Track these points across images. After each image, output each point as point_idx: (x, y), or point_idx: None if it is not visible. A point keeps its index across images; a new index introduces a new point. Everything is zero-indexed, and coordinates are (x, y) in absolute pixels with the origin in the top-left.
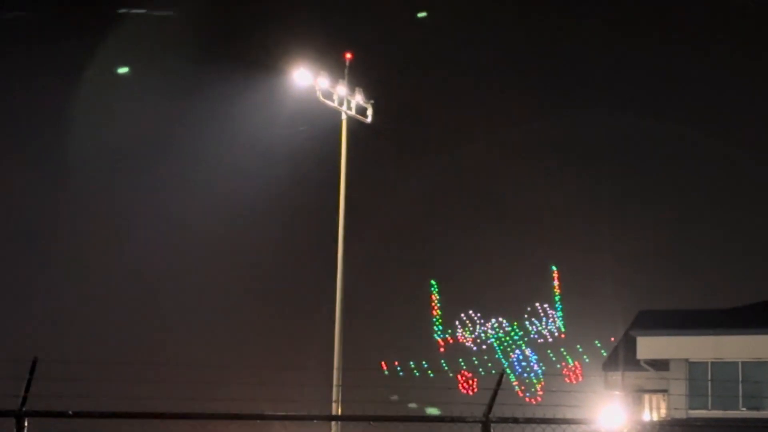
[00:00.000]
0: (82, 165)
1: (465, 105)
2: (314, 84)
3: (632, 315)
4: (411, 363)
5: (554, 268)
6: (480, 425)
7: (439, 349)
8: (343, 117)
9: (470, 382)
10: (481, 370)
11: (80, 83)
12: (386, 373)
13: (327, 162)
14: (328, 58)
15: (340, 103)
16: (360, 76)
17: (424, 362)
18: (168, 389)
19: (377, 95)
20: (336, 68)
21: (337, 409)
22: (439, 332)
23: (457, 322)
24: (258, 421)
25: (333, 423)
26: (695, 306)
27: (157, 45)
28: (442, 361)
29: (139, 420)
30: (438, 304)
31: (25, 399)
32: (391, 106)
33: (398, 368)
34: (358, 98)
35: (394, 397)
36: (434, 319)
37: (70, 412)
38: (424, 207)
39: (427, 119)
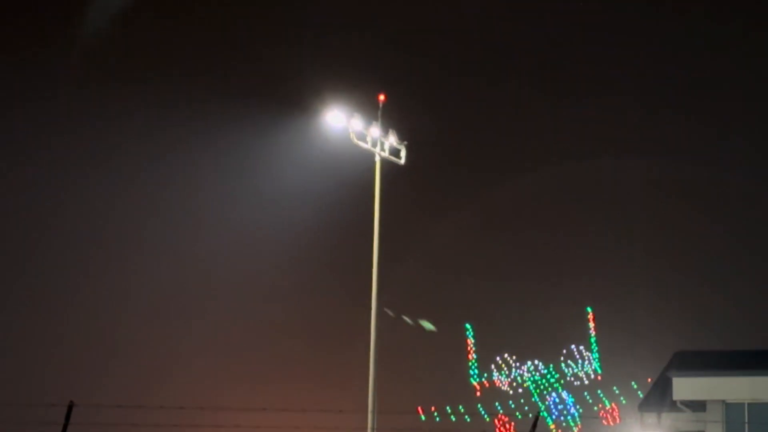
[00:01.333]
0: (115, 203)
1: (501, 145)
2: (347, 125)
3: (668, 355)
4: (447, 408)
5: (589, 309)
6: None
7: (475, 393)
8: (377, 158)
9: (507, 426)
10: (518, 413)
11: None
12: (423, 418)
13: (360, 203)
14: (362, 98)
15: (374, 145)
16: (393, 117)
17: (460, 407)
18: None
19: (411, 135)
20: (370, 109)
21: None
22: (475, 376)
23: (492, 366)
24: None
25: None
26: (732, 346)
27: (190, 83)
28: (479, 405)
29: None
30: (473, 348)
31: None
32: (426, 146)
33: (435, 413)
34: (392, 139)
35: None
36: (470, 363)
37: None
38: (458, 248)
39: (462, 159)
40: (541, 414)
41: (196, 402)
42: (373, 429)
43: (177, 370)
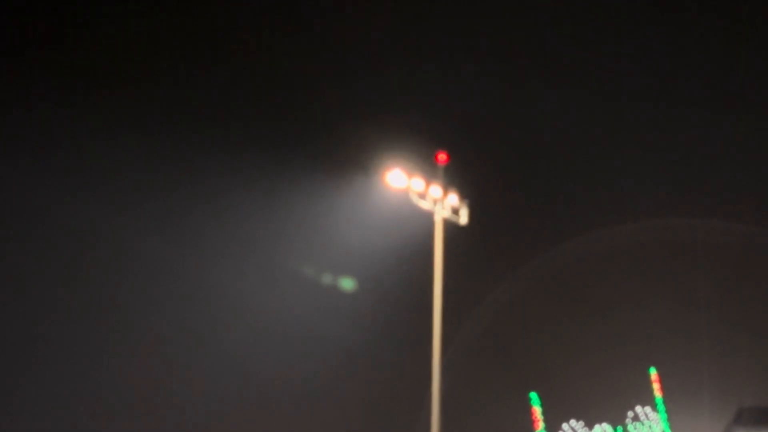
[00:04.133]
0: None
1: (562, 204)
2: (408, 185)
3: (733, 412)
4: None
5: (653, 370)
6: None
7: None
8: (438, 218)
9: None
10: None
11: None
12: None
13: (422, 264)
14: (423, 157)
15: (434, 204)
16: (454, 176)
17: None
18: None
19: (471, 194)
20: (430, 168)
21: None
22: None
23: None
24: None
25: None
26: None
27: (251, 144)
28: None
29: None
30: (541, 417)
31: None
32: (487, 205)
33: None
34: (452, 198)
35: None
36: None
37: None
38: (519, 311)
39: (524, 218)
40: None
41: None
42: None
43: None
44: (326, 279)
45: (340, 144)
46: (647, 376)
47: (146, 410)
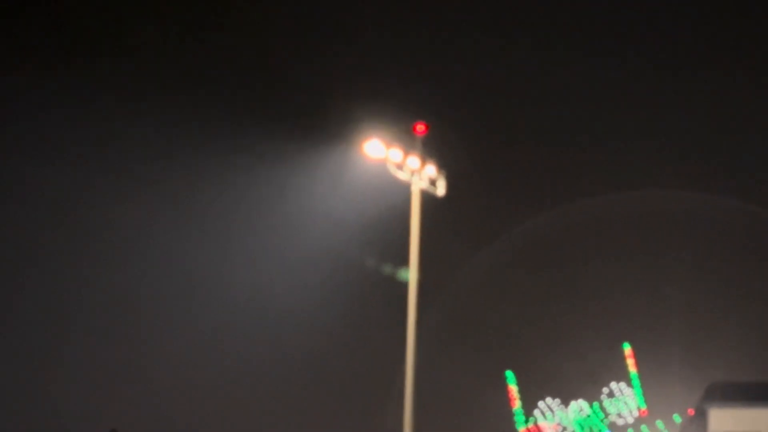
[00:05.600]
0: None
1: (539, 176)
2: (386, 155)
3: (705, 387)
4: None
5: (627, 345)
6: None
7: None
8: (415, 189)
9: None
10: None
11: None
12: None
13: (397, 234)
14: (401, 128)
15: (412, 175)
16: (432, 146)
17: None
18: None
19: (449, 165)
20: (408, 138)
21: None
22: (521, 423)
23: (536, 411)
24: None
25: None
26: None
27: (226, 108)
28: None
29: None
30: (517, 395)
31: None
32: (464, 176)
33: None
34: (430, 169)
35: None
36: (515, 411)
37: None
38: (494, 284)
39: (500, 189)
40: None
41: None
42: None
43: (219, 404)
44: (302, 250)
45: (317, 114)
46: (621, 352)
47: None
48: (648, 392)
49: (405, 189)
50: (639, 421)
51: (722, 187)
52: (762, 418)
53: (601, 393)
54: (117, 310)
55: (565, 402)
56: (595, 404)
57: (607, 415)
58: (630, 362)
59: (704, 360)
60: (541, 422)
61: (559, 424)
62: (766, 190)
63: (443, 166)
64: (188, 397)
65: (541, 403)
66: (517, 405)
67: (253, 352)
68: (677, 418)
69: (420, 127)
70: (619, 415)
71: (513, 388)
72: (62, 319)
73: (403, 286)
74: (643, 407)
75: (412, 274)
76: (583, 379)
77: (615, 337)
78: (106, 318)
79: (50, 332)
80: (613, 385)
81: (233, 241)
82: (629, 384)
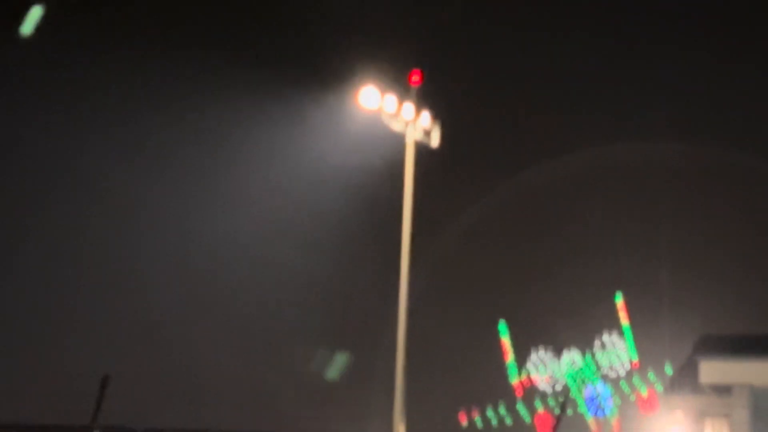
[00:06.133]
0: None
1: (533, 127)
2: (380, 105)
3: (696, 339)
4: (488, 411)
5: (619, 297)
6: None
7: (515, 393)
8: (409, 140)
9: (547, 424)
10: (556, 409)
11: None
12: (465, 426)
13: (391, 185)
14: (395, 77)
15: (406, 126)
16: (428, 96)
17: (501, 408)
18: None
19: (445, 116)
20: (403, 88)
21: None
22: (514, 375)
23: (528, 363)
24: None
25: None
26: (760, 330)
27: (220, 64)
28: (519, 405)
29: None
30: (510, 348)
31: (96, 415)
32: (459, 128)
33: (477, 419)
34: (425, 120)
35: None
36: (508, 364)
37: (140, 429)
38: (487, 236)
39: (495, 141)
40: (570, 399)
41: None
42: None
43: (208, 348)
44: (293, 200)
45: (310, 62)
46: (613, 303)
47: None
48: (639, 344)
49: (399, 140)
50: (631, 372)
51: (717, 139)
52: (752, 370)
53: (593, 345)
54: (112, 257)
55: (558, 355)
56: (588, 356)
57: (599, 367)
58: (622, 314)
59: (696, 312)
60: (534, 374)
61: (551, 377)
62: (759, 140)
63: (438, 116)
64: (184, 341)
65: (533, 356)
66: (510, 358)
67: (241, 300)
68: (669, 370)
69: (415, 77)
70: (611, 368)
71: (506, 341)
72: (59, 269)
73: (396, 238)
74: (635, 359)
75: (405, 226)
76: (575, 331)
77: (607, 288)
78: (101, 268)
79: (48, 281)
80: (606, 337)
81: (222, 189)
82: (621, 335)
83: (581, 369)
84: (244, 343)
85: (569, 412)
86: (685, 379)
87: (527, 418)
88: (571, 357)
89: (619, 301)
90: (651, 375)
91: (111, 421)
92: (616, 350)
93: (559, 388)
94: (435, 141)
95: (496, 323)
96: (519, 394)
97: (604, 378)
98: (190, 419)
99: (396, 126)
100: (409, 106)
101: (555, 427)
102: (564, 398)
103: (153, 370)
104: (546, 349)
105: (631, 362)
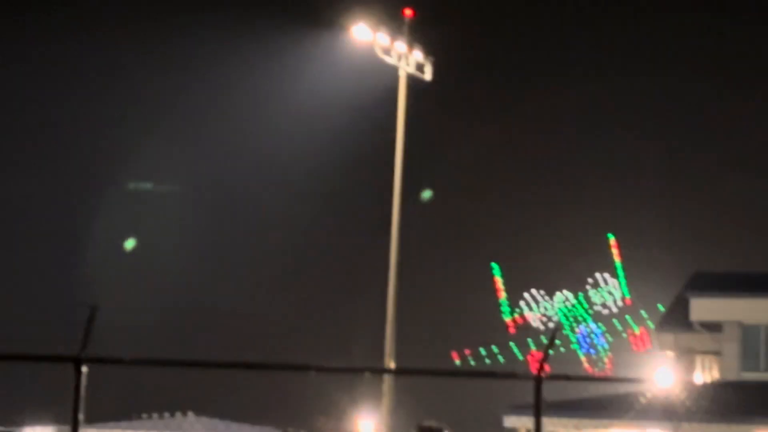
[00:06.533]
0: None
1: (525, 63)
2: (373, 40)
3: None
4: (481, 350)
5: (611, 236)
6: (533, 382)
7: (508, 331)
8: (402, 74)
9: (539, 362)
10: (550, 351)
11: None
12: (458, 363)
13: (384, 121)
14: (389, 13)
15: (399, 59)
16: (421, 32)
17: (494, 347)
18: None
19: (437, 51)
20: (396, 24)
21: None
22: (507, 313)
23: (521, 302)
24: None
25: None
26: (752, 268)
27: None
28: (511, 343)
29: (195, 368)
30: (503, 287)
31: (84, 345)
32: (452, 64)
33: (469, 358)
34: (417, 55)
35: None
36: (501, 302)
37: (127, 359)
38: (478, 174)
39: (487, 77)
40: (560, 329)
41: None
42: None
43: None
44: (285, 136)
45: (305, 2)
46: (606, 242)
47: None
48: (632, 282)
49: (392, 74)
50: (623, 310)
51: (707, 73)
52: (741, 307)
53: (586, 283)
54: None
55: (551, 293)
56: (580, 295)
57: (591, 305)
58: (614, 252)
59: (688, 249)
60: (527, 313)
61: (544, 315)
62: (744, 75)
63: (430, 52)
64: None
65: (526, 294)
66: (502, 296)
67: (230, 246)
68: (661, 307)
69: (408, 11)
70: (604, 305)
71: (498, 280)
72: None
73: (388, 175)
74: (628, 297)
75: (397, 161)
76: (567, 270)
77: (599, 226)
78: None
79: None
80: (598, 275)
81: (215, 127)
82: (613, 274)
83: (574, 307)
84: (237, 281)
85: (560, 347)
86: (676, 316)
87: (520, 357)
88: (564, 295)
89: (612, 240)
90: (643, 312)
91: (99, 351)
92: (609, 288)
93: (552, 326)
94: (428, 75)
95: (489, 262)
96: (512, 331)
97: (597, 315)
98: (182, 352)
99: (389, 60)
100: (401, 41)
101: (543, 360)
102: (553, 331)
103: (143, 298)
104: (539, 289)
105: (624, 300)
